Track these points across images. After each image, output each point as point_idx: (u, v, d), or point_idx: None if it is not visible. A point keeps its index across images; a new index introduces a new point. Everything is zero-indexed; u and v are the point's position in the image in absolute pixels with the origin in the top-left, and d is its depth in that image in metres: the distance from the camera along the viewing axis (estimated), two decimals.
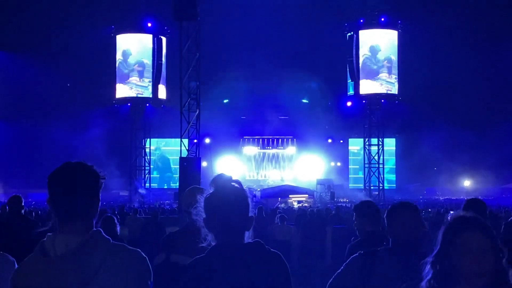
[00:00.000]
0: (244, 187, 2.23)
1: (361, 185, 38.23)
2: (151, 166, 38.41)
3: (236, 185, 2.17)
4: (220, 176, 2.19)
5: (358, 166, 41.46)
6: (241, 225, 2.12)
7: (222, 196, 2.12)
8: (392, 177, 43.33)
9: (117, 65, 36.60)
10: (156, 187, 41.01)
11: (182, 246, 3.31)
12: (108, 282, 1.90)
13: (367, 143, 36.68)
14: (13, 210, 5.96)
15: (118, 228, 5.85)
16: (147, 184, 36.95)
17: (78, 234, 1.95)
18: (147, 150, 37.52)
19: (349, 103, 37.24)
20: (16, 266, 2.23)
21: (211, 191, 2.16)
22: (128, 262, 1.96)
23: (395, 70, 36.08)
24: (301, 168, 44.79)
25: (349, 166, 44.40)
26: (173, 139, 36.58)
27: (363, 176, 37.50)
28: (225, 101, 43.81)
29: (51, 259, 1.91)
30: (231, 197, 2.12)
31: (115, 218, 5.88)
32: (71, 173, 2.00)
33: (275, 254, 2.13)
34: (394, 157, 43.60)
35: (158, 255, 3.64)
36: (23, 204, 6.07)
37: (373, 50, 35.70)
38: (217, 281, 2.01)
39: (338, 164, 44.65)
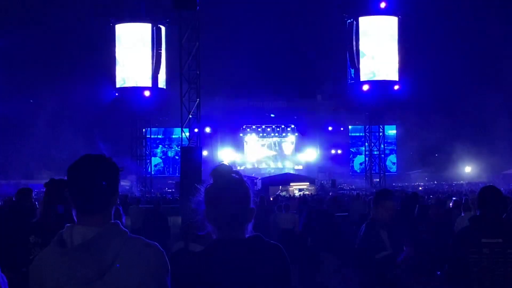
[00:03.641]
0: (244, 176, 2.19)
1: (362, 172, 38.28)
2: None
3: (237, 176, 2.13)
4: (220, 166, 2.14)
5: (359, 154, 41.43)
6: (241, 217, 2.09)
7: (222, 187, 2.09)
8: (393, 163, 43.38)
9: (116, 54, 36.46)
10: (159, 174, 41.28)
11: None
12: (124, 274, 1.91)
13: (368, 130, 36.67)
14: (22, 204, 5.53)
15: (124, 219, 5.86)
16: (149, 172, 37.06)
17: (96, 225, 1.96)
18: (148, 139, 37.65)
19: (349, 91, 37.10)
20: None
21: (210, 182, 2.12)
22: (145, 255, 1.96)
23: (395, 57, 35.90)
24: (302, 156, 44.82)
25: (350, 154, 44.46)
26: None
27: (364, 163, 37.53)
28: None
29: (67, 249, 1.93)
30: (231, 188, 2.09)
31: (120, 208, 5.85)
32: (91, 165, 2.02)
33: (275, 246, 2.10)
34: (395, 144, 43.61)
35: (176, 242, 3.72)
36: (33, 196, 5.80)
37: (373, 37, 35.47)
38: (217, 277, 2.01)
39: (339, 151, 44.71)
